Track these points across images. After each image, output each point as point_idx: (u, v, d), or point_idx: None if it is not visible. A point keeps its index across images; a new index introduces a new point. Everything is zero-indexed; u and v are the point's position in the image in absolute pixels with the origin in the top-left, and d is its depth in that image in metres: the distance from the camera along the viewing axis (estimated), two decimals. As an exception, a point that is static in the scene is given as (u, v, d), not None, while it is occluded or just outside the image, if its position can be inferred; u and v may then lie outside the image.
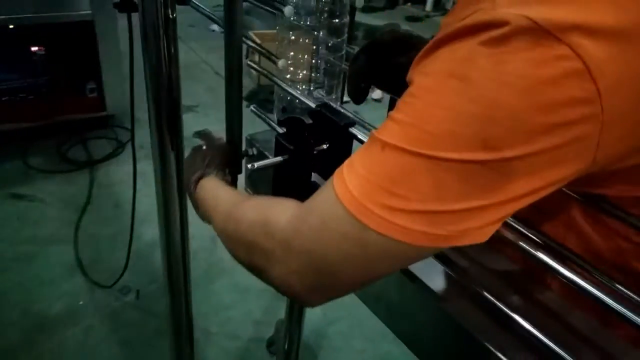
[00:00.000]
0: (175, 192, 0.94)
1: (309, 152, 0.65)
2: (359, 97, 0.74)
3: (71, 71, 2.59)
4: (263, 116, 0.87)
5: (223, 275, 1.99)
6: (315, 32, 0.77)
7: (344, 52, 0.78)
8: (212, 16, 1.00)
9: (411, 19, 5.41)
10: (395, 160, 0.40)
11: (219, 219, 0.60)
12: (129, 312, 1.81)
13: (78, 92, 2.64)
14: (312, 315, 1.83)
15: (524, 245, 0.50)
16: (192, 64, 3.76)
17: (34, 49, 2.46)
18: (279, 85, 0.77)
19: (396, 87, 0.76)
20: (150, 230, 2.09)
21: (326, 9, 0.76)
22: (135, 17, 0.83)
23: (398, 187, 0.40)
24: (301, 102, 0.75)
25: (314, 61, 0.80)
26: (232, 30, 0.75)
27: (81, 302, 1.82)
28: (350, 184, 0.42)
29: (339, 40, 0.77)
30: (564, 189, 0.51)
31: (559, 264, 0.48)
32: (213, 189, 0.69)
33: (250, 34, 3.51)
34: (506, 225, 0.53)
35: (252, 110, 0.86)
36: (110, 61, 2.61)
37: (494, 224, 0.41)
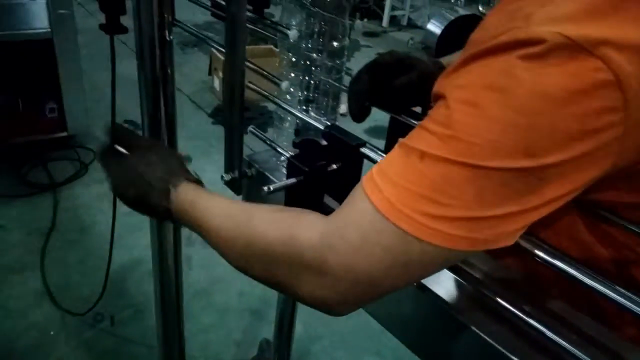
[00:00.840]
0: None
1: (322, 174, 0.66)
2: (361, 116, 0.76)
3: (30, 90, 2.49)
4: (263, 137, 0.87)
5: (199, 296, 1.96)
6: (315, 55, 0.78)
7: (343, 73, 0.80)
8: (199, 34, 1.00)
9: (368, 34, 5.53)
10: (437, 169, 0.42)
11: (222, 234, 0.57)
12: (104, 340, 1.74)
13: (37, 112, 2.54)
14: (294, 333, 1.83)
15: (528, 252, 0.52)
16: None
17: (-11, 68, 2.36)
18: (283, 108, 0.78)
19: (397, 107, 0.79)
20: (121, 254, 2.03)
21: (327, 31, 0.77)
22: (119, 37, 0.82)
23: (440, 195, 0.42)
24: (297, 120, 0.76)
25: (313, 82, 0.82)
26: (234, 50, 0.75)
27: (52, 333, 1.74)
28: (388, 193, 0.44)
29: (338, 62, 0.79)
30: None
31: (561, 269, 0.50)
32: (201, 198, 0.62)
33: (214, 51, 3.50)
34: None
35: (250, 132, 0.86)
36: (71, 80, 2.53)
37: (523, 228, 0.44)
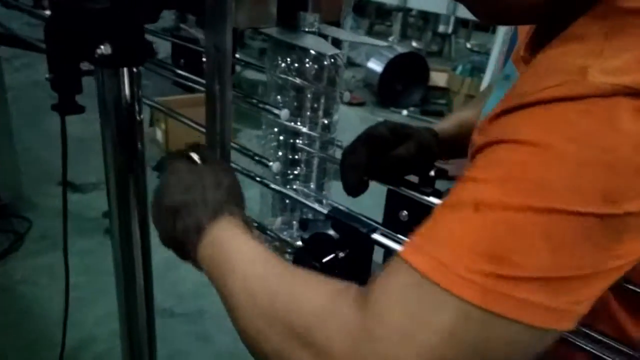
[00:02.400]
0: (141, 274, 0.84)
1: (334, 266, 0.60)
2: (359, 191, 0.71)
3: (-47, 158, 2.28)
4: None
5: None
6: (304, 129, 0.73)
7: (334, 149, 0.76)
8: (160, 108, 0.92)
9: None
10: (500, 218, 0.35)
11: (249, 283, 0.47)
12: None
13: (-37, 182, 2.32)
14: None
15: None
16: (89, 137, 3.50)
17: None
18: (278, 191, 0.72)
19: (394, 178, 0.75)
20: (69, 334, 1.84)
21: (316, 106, 0.73)
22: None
23: (506, 250, 0.35)
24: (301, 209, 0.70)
25: (301, 158, 0.76)
26: (221, 127, 0.68)
27: None
28: (438, 255, 0.36)
29: (330, 137, 0.74)
30: None
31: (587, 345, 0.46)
32: (242, 235, 0.52)
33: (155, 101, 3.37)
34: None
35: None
36: (1, 142, 2.34)
37: (596, 296, 0.37)
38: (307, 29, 0.66)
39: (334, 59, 0.67)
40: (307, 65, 0.68)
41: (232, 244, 0.52)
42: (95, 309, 1.99)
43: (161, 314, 2.02)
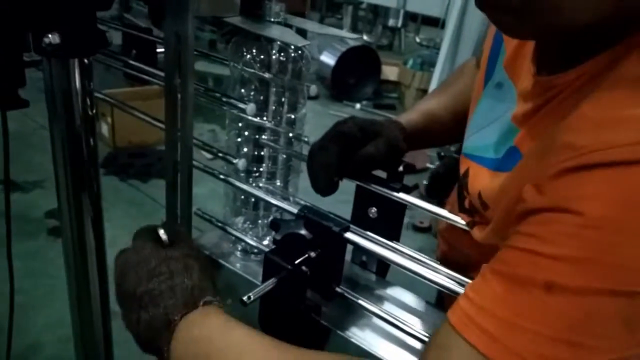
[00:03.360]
0: (95, 276, 0.78)
1: (306, 266, 0.58)
2: (330, 190, 0.69)
3: None
4: (212, 219, 0.76)
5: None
6: (270, 124, 0.70)
7: (302, 145, 0.73)
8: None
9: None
10: (577, 302, 0.34)
11: None
12: None
13: None
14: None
15: None
16: (29, 132, 3.30)
17: None
18: (246, 190, 0.69)
19: (363, 175, 0.73)
20: (17, 340, 1.73)
21: (282, 100, 0.70)
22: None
23: (583, 335, 0.34)
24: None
25: (268, 155, 0.73)
26: (183, 129, 0.65)
27: None
28: (508, 342, 0.34)
29: (297, 132, 0.72)
30: None
31: None
32: (217, 336, 0.48)
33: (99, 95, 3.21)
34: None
35: (195, 213, 0.75)
36: None
37: None
38: (272, 19, 0.63)
39: (301, 51, 0.65)
40: (274, 57, 0.65)
41: (213, 342, 0.48)
42: (42, 314, 1.88)
43: (118, 316, 1.93)
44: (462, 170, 0.66)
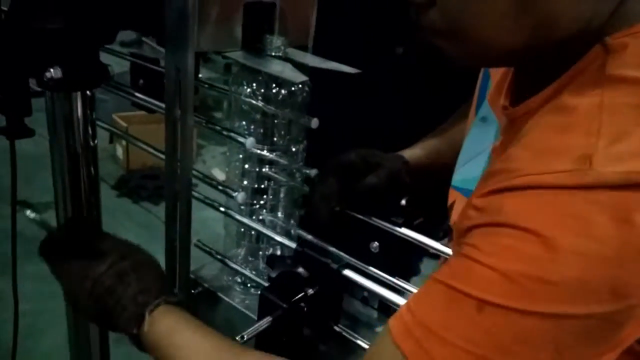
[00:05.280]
0: None
1: (302, 304, 0.56)
2: (331, 223, 0.68)
3: None
4: (212, 251, 0.76)
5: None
6: (271, 156, 0.70)
7: (302, 177, 0.72)
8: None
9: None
10: (506, 323, 0.34)
11: None
12: None
13: None
14: None
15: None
16: (43, 154, 3.35)
17: None
18: (245, 224, 0.68)
19: (365, 208, 0.72)
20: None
21: (283, 132, 0.70)
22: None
23: (512, 356, 0.34)
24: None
25: (268, 187, 0.73)
26: (182, 155, 0.64)
27: None
28: (435, 353, 0.35)
29: (299, 164, 0.71)
30: None
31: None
32: (180, 331, 0.52)
33: (116, 118, 3.27)
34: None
35: (195, 245, 0.74)
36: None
37: None
38: (273, 53, 0.63)
39: (302, 85, 0.64)
40: (274, 90, 0.65)
41: (174, 341, 0.52)
42: (49, 336, 1.88)
43: (116, 343, 1.92)
44: (449, 202, 0.65)
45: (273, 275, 0.55)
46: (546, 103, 0.42)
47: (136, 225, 2.77)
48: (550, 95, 0.42)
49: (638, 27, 0.39)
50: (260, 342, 0.59)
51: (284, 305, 0.55)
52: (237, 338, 0.52)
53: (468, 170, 0.63)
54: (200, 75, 0.72)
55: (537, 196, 0.36)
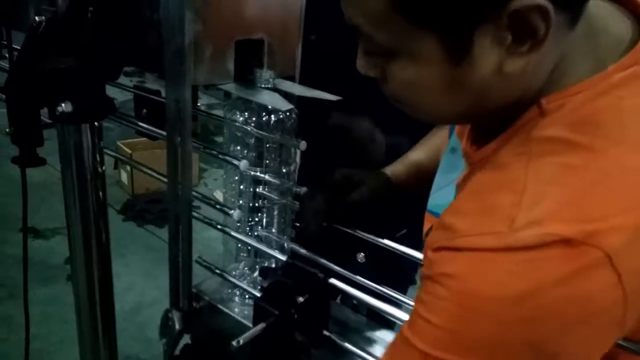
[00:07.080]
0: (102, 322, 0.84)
1: (294, 311, 0.62)
2: (320, 235, 0.74)
3: None
4: (212, 266, 0.81)
5: None
6: (264, 177, 0.76)
7: (292, 196, 0.79)
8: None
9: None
10: None
11: None
12: None
13: None
14: None
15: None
16: (52, 181, 3.43)
17: None
18: (241, 240, 0.74)
19: (349, 222, 0.77)
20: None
21: (273, 155, 0.76)
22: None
23: None
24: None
25: (263, 205, 0.79)
26: (183, 146, 0.70)
27: None
28: None
29: (290, 184, 0.78)
30: None
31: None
32: None
33: (119, 144, 3.35)
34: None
35: (196, 261, 0.80)
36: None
37: None
38: (263, 85, 0.70)
39: (289, 112, 0.71)
40: (265, 117, 0.72)
41: None
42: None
43: (125, 361, 1.96)
44: (425, 227, 0.68)
45: (265, 285, 0.61)
46: (491, 156, 0.46)
47: (142, 247, 2.83)
48: (494, 149, 0.46)
49: (573, 89, 0.42)
50: (255, 346, 0.65)
51: (276, 313, 0.61)
52: (233, 342, 0.58)
53: (442, 196, 0.66)
54: (201, 102, 0.79)
55: (469, 258, 0.40)
